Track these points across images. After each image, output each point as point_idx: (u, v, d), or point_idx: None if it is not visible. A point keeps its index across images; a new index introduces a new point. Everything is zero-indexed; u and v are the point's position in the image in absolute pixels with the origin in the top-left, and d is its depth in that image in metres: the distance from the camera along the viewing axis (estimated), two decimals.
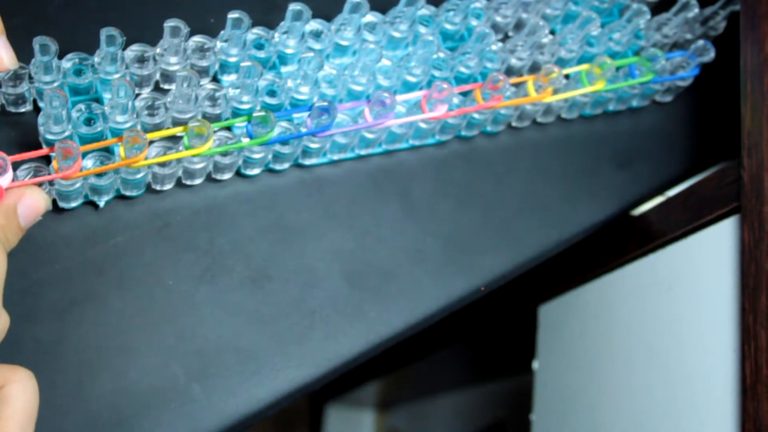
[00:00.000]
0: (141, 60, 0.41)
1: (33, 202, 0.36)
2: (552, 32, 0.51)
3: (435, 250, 0.47)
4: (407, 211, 0.47)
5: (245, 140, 0.41)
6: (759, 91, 0.43)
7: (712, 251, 0.46)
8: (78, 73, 0.40)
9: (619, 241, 0.56)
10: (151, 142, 0.40)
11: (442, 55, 0.46)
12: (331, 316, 0.44)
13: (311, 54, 0.41)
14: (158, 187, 0.43)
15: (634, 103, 0.53)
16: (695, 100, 0.54)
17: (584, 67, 0.48)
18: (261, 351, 0.42)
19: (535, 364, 0.68)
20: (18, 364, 0.38)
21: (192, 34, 0.42)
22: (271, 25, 0.44)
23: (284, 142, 0.42)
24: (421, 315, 0.45)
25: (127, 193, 0.42)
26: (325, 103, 0.40)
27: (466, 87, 0.46)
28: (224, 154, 0.42)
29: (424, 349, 0.96)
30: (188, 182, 0.43)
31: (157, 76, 0.43)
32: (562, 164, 0.51)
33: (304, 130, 0.42)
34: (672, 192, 0.54)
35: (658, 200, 0.54)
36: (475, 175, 0.49)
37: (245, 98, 0.42)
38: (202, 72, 0.43)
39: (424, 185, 0.48)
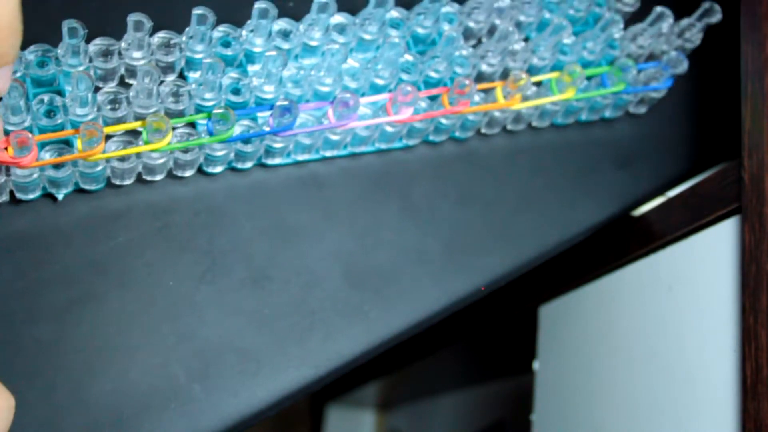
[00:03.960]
0: (105, 54, 0.41)
1: None
2: (527, 39, 0.50)
3: (435, 250, 0.47)
4: (407, 212, 0.47)
5: (206, 137, 0.41)
6: (759, 91, 0.43)
7: (713, 252, 0.46)
8: (41, 64, 0.40)
9: (619, 242, 0.56)
10: (111, 137, 0.40)
11: (411, 58, 0.45)
12: (332, 316, 0.44)
13: (274, 53, 0.41)
14: (117, 182, 0.42)
15: (607, 113, 0.52)
16: (695, 101, 0.54)
17: (554, 74, 0.47)
18: (261, 351, 0.42)
19: (536, 365, 0.68)
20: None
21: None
22: (241, 23, 0.44)
23: (246, 140, 0.42)
24: (422, 315, 0.45)
25: (86, 187, 0.42)
26: (287, 103, 0.40)
27: (433, 91, 0.45)
28: (185, 150, 0.42)
29: (424, 349, 0.96)
30: (149, 178, 0.43)
31: (123, 71, 0.43)
32: (561, 164, 0.51)
33: (267, 129, 0.42)
34: (672, 192, 0.54)
35: (658, 201, 0.54)
36: (475, 175, 0.49)
37: (208, 95, 0.41)
38: (168, 68, 0.43)
39: (424, 185, 0.48)
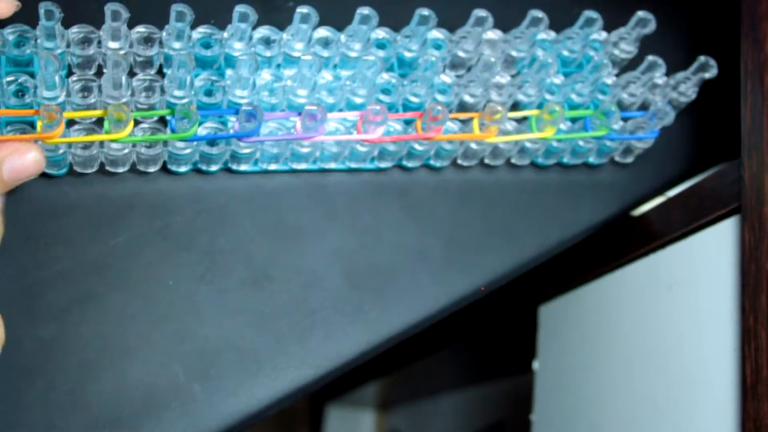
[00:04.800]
0: (84, 41, 0.41)
1: (20, 159, 0.35)
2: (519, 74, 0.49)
3: (435, 250, 0.47)
4: (407, 211, 0.47)
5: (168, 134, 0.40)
6: (759, 91, 0.43)
7: (713, 252, 0.46)
8: (18, 44, 0.40)
9: (619, 242, 0.56)
10: (74, 123, 0.40)
11: (392, 80, 0.45)
12: (332, 316, 0.44)
13: (246, 57, 0.40)
14: (79, 170, 0.42)
15: (591, 159, 0.51)
16: (695, 100, 0.54)
17: (534, 112, 0.46)
18: (261, 351, 0.42)
19: (535, 365, 0.68)
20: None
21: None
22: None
23: (211, 142, 0.42)
24: (422, 315, 0.45)
25: (47, 171, 0.42)
26: (251, 107, 0.40)
27: (406, 114, 0.44)
28: (149, 145, 0.41)
29: (424, 349, 0.97)
30: (111, 169, 0.43)
31: (101, 60, 0.42)
32: (561, 164, 0.51)
33: (232, 132, 0.41)
34: (672, 192, 0.54)
35: (658, 200, 0.54)
36: (476, 174, 0.49)
37: (177, 92, 0.41)
38: (147, 62, 0.42)
39: (424, 185, 0.48)
